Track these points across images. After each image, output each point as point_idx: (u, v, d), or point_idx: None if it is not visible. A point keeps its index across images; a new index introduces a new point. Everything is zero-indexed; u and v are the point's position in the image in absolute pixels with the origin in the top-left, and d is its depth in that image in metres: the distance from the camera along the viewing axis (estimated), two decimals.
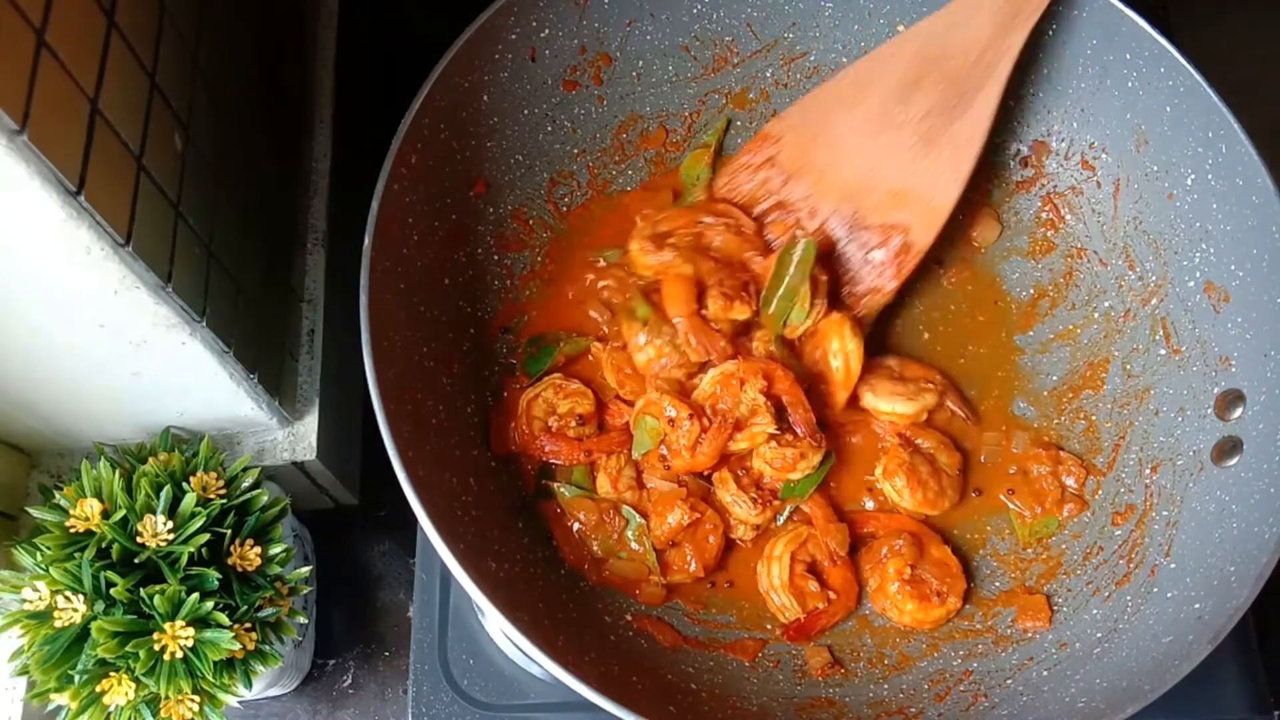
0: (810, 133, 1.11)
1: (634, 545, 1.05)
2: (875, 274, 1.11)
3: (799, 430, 1.05)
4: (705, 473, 1.07)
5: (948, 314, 1.20)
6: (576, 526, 1.07)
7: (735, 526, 1.08)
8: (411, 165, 1.01)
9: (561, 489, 1.07)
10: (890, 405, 1.10)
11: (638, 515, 1.05)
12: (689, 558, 1.05)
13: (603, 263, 1.15)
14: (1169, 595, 0.97)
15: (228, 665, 0.93)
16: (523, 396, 1.09)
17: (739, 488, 1.06)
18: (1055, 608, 1.05)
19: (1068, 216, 1.20)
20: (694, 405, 1.04)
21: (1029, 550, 1.09)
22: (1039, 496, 1.11)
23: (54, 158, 0.69)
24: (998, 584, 1.08)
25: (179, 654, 0.89)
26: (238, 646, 0.92)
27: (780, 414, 1.05)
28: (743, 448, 1.05)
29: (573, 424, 1.08)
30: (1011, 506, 1.11)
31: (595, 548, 1.06)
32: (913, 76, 1.06)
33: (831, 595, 1.05)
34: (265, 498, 1.00)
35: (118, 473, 0.95)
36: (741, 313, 1.06)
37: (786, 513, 1.09)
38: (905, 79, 1.07)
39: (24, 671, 0.91)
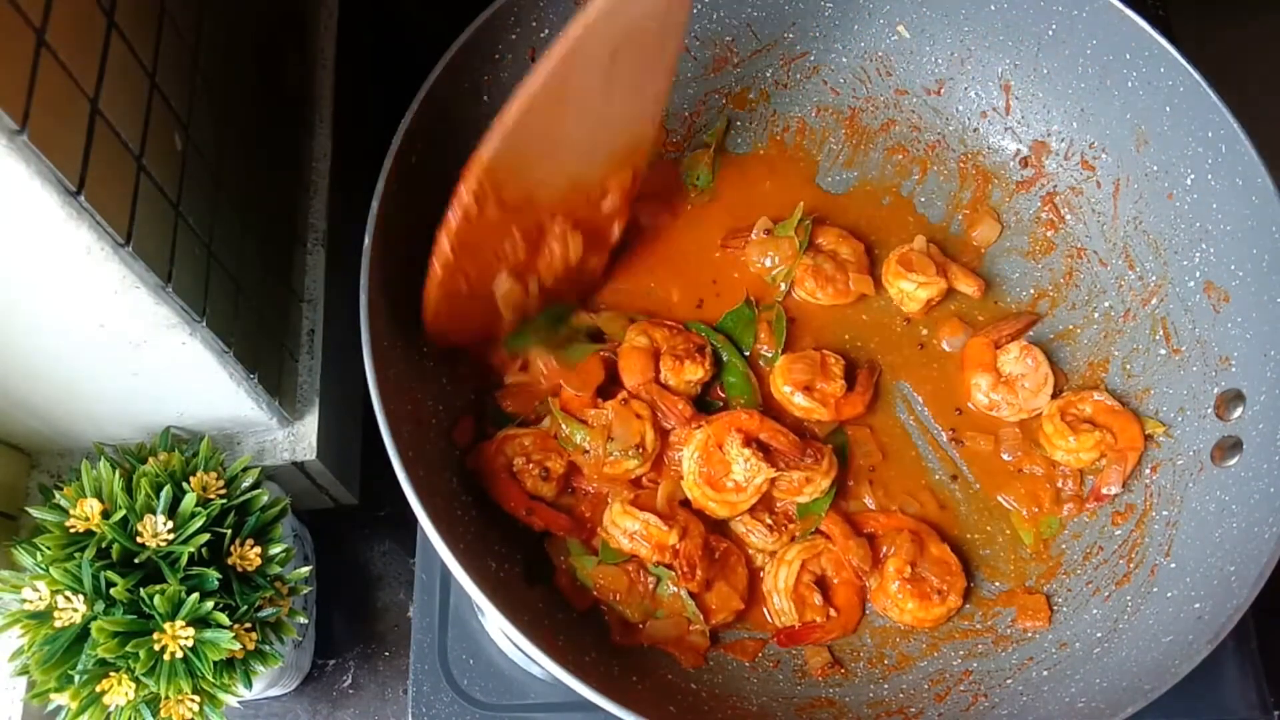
0: (525, 157, 0.98)
1: (669, 599, 1.01)
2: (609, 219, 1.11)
3: (787, 462, 1.04)
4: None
5: (948, 313, 1.20)
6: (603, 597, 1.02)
7: (754, 556, 1.06)
8: (411, 165, 1.01)
9: (574, 562, 1.02)
10: None
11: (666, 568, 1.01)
12: (727, 593, 1.02)
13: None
14: (1169, 595, 0.97)
15: (228, 665, 0.93)
16: (503, 431, 1.06)
17: (752, 517, 1.05)
18: (1055, 608, 1.05)
19: (1068, 216, 1.20)
20: (675, 553, 1.00)
21: (1030, 551, 1.09)
22: (1036, 497, 1.11)
23: (54, 158, 0.69)
24: (998, 584, 1.08)
25: (179, 654, 0.89)
26: (238, 646, 0.92)
27: (766, 450, 1.04)
28: (753, 502, 1.04)
29: (536, 473, 1.03)
30: (1009, 506, 1.11)
31: (629, 614, 1.02)
32: (607, 56, 0.98)
33: (832, 612, 1.04)
34: (265, 498, 1.00)
35: (118, 473, 0.95)
36: (695, 373, 1.08)
37: (805, 535, 1.07)
38: (601, 62, 0.97)
39: (24, 671, 0.91)
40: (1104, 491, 1.09)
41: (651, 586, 1.02)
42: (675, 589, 1.01)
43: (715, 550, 1.04)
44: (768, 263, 1.17)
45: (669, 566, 1.01)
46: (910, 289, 1.16)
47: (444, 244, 0.96)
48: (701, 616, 1.01)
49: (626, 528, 1.01)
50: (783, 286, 1.17)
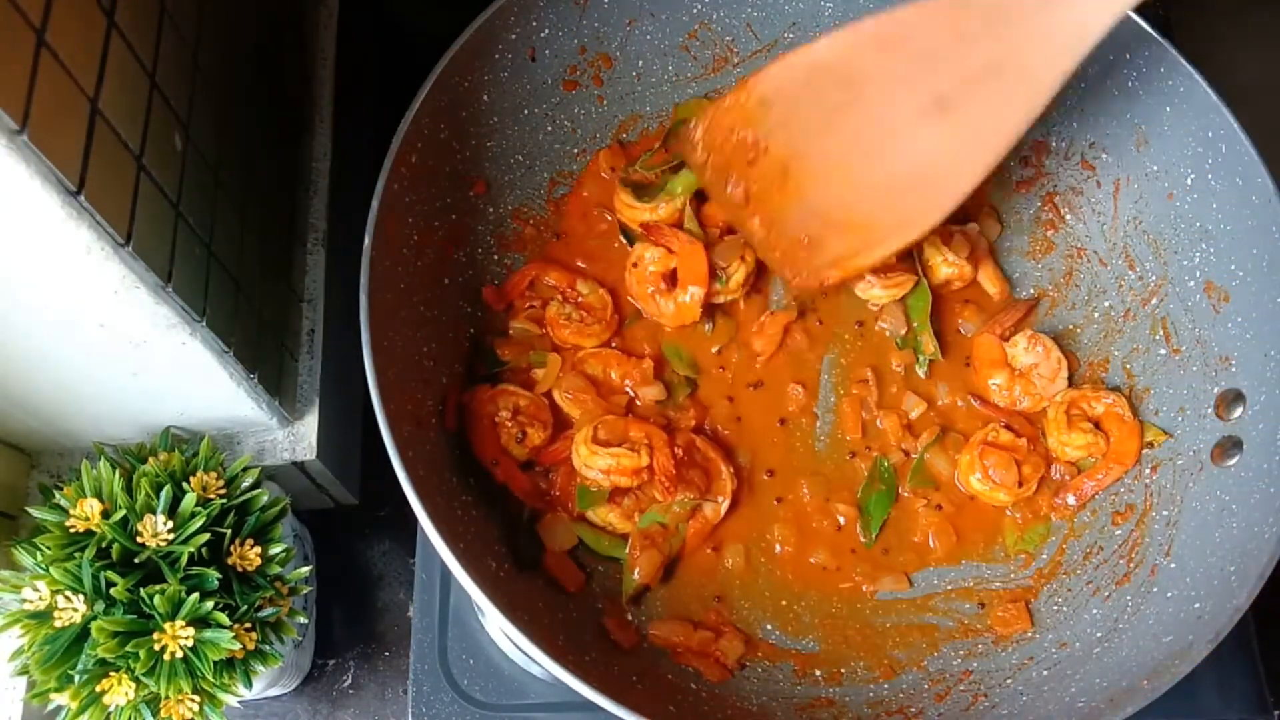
0: (805, 104, 0.88)
1: (672, 514, 1.05)
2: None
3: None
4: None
5: (950, 312, 1.20)
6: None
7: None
8: (411, 165, 1.01)
9: (657, 635, 1.03)
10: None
11: None
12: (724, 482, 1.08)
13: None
14: (1169, 595, 0.97)
15: (228, 665, 0.93)
16: (505, 385, 1.09)
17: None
18: (1055, 608, 1.05)
19: (1068, 216, 1.20)
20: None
21: (1009, 554, 1.10)
22: (1033, 503, 1.11)
23: (54, 158, 0.69)
24: (998, 584, 1.08)
25: (179, 654, 0.89)
26: (238, 646, 0.92)
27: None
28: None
29: (514, 431, 1.05)
30: (1007, 513, 1.11)
31: (657, 557, 1.05)
32: (955, 33, 0.80)
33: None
34: (265, 498, 1.00)
35: (118, 473, 0.95)
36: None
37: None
38: (942, 36, 0.81)
39: (24, 671, 0.90)
40: (1058, 498, 1.11)
41: (660, 529, 1.05)
42: (663, 503, 1.05)
43: (696, 455, 1.07)
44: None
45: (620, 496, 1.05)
46: (938, 262, 1.16)
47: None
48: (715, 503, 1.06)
49: (599, 465, 1.03)
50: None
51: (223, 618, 0.92)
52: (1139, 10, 1.05)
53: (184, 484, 0.96)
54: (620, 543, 1.05)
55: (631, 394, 1.12)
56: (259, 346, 1.05)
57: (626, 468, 1.03)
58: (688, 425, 1.11)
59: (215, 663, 0.91)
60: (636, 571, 1.03)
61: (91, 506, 0.92)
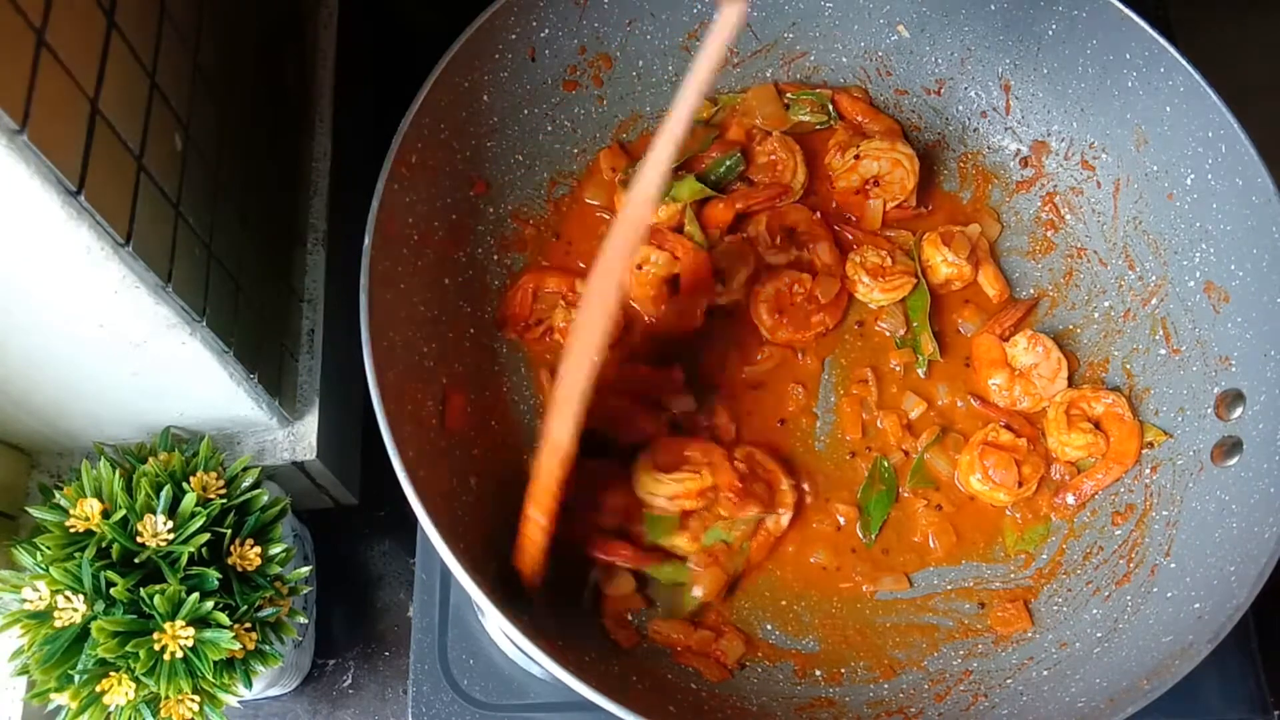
0: None
1: (736, 534, 1.04)
2: None
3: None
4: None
5: (950, 312, 1.20)
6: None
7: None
8: (411, 165, 1.01)
9: (656, 634, 1.03)
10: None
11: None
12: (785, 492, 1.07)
13: None
14: (1169, 595, 0.97)
15: (228, 665, 0.93)
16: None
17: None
18: (1055, 608, 1.05)
19: (1068, 216, 1.20)
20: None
21: (1008, 554, 1.09)
22: (1033, 503, 1.11)
23: (54, 158, 0.69)
24: (998, 584, 1.08)
25: (179, 654, 0.89)
26: (238, 646, 0.92)
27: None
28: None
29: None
30: (1007, 512, 1.11)
31: (722, 576, 1.04)
32: None
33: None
34: (265, 498, 1.00)
35: (118, 473, 0.95)
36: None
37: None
38: None
39: (24, 671, 0.91)
40: (1058, 498, 1.11)
41: (724, 547, 1.04)
42: (728, 519, 1.03)
43: (757, 468, 1.07)
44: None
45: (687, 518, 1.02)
46: (938, 262, 1.17)
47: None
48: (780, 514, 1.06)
49: (665, 493, 1.02)
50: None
51: (223, 618, 0.92)
52: (1139, 10, 1.06)
53: (184, 484, 0.96)
54: (682, 567, 1.04)
55: (670, 410, 1.10)
56: (259, 346, 1.05)
57: (692, 490, 1.02)
58: (729, 437, 1.10)
59: (215, 663, 0.91)
60: (698, 589, 1.02)
61: (91, 506, 0.92)
